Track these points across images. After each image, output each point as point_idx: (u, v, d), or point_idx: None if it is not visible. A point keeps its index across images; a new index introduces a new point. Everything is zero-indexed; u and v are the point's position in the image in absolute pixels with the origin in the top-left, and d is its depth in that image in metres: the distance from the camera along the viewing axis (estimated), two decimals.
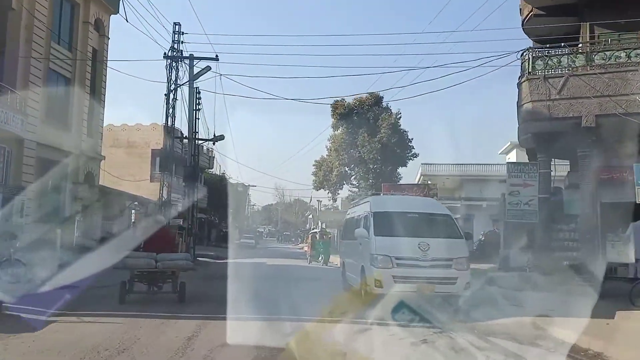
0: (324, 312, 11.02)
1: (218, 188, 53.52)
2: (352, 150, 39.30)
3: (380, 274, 11.41)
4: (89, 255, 17.04)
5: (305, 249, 60.85)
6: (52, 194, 23.14)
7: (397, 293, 10.91)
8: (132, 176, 40.85)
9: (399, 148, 38.45)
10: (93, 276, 13.40)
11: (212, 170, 53.54)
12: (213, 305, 12.17)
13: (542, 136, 15.60)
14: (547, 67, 15.14)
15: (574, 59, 15.17)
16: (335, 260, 33.87)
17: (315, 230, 35.00)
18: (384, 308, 10.42)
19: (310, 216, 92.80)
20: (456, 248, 11.86)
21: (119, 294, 12.18)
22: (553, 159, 17.35)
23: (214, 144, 25.87)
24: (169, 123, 23.43)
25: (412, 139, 38.68)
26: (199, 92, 24.55)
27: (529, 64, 15.32)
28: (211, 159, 50.53)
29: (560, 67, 15.11)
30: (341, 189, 42.43)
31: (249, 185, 78.80)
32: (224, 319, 9.83)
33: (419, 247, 11.46)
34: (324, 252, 31.53)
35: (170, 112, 22.83)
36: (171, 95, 22.23)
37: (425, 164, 46.95)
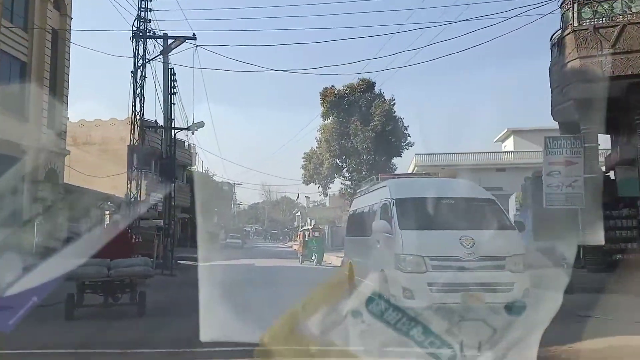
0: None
1: (201, 186, 50.28)
2: (343, 141, 36.33)
3: (410, 280, 8.45)
4: (44, 264, 14.02)
5: (295, 247, 57.94)
6: (7, 193, 19.86)
7: (433, 306, 7.92)
8: (107, 175, 37.55)
9: (394, 137, 35.57)
10: (41, 289, 10.47)
11: (195, 167, 50.21)
12: (188, 325, 9.14)
13: (588, 102, 12.66)
14: (597, 16, 12.27)
15: (630, 3, 12.31)
16: (329, 259, 30.94)
17: (307, 227, 31.87)
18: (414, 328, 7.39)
19: (298, 214, 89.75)
20: (508, 243, 8.89)
21: (64, 309, 10.31)
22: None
23: (192, 133, 22.69)
24: (138, 107, 20.21)
25: (408, 126, 35.82)
26: (174, 74, 21.41)
27: (573, 13, 12.45)
28: (193, 155, 47.22)
29: (613, 14, 12.24)
30: (332, 182, 39.47)
31: (234, 184, 75.63)
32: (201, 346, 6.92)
33: (460, 243, 8.50)
34: (317, 250, 28.53)
35: (139, 93, 19.61)
36: (139, 73, 19.00)
37: (419, 154, 44.17)
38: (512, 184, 38.66)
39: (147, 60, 18.88)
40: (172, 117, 22.05)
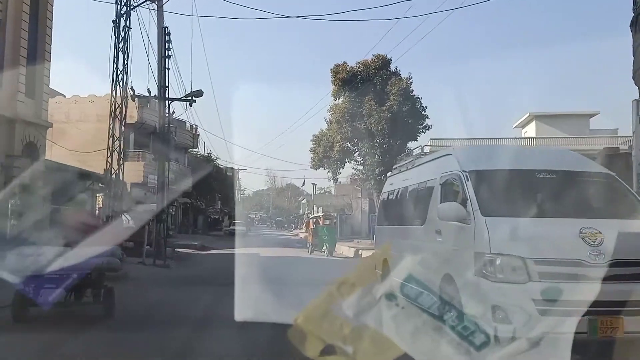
0: None
1: (203, 169, 47.30)
2: (356, 122, 33.14)
3: (504, 294, 5.41)
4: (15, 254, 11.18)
5: (302, 235, 55.00)
6: None
7: (543, 336, 4.89)
8: (102, 155, 34.58)
9: (411, 118, 32.39)
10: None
11: (197, 150, 47.17)
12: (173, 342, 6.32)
13: None
14: None
15: None
16: (340, 249, 27.95)
17: (317, 214, 28.84)
18: None
19: (304, 201, 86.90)
20: None
21: (11, 310, 8.31)
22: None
23: (190, 104, 19.50)
24: (121, 63, 17.04)
25: (426, 107, 32.60)
26: (169, 34, 18.30)
27: None
28: (195, 137, 44.18)
29: None
30: (342, 167, 36.33)
31: (239, 169, 72.59)
32: None
33: (582, 239, 5.44)
34: (329, 240, 25.55)
35: (122, 47, 16.47)
36: (122, 23, 15.80)
37: (434, 139, 41.00)
38: None
39: (131, 7, 15.79)
40: (167, 84, 18.95)
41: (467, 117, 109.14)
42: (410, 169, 9.49)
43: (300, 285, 11.11)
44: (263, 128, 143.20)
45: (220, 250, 29.25)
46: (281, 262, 20.87)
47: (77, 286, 8.64)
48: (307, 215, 75.44)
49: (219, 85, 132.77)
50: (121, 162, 16.70)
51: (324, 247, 25.45)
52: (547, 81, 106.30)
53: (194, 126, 44.15)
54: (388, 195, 10.44)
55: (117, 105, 17.41)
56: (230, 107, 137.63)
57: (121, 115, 16.89)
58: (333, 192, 72.69)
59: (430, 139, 40.16)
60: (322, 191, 71.22)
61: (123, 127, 17.20)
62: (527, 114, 41.11)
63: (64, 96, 36.51)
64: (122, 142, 17.05)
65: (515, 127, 44.11)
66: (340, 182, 38.27)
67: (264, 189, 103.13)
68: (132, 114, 33.86)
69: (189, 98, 19.19)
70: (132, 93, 18.94)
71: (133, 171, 33.93)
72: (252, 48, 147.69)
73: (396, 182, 10.05)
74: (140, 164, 33.86)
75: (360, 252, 25.61)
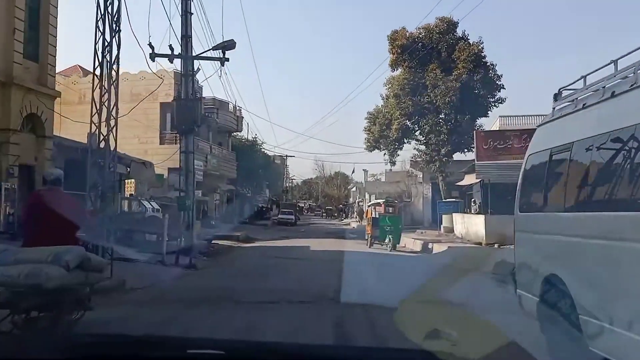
0: None
1: (249, 155, 43.44)
2: (417, 96, 28.31)
3: None
4: None
5: (354, 225, 50.53)
6: None
7: None
8: (137, 138, 31.10)
9: (483, 88, 27.32)
10: None
11: (241, 134, 43.26)
12: None
13: None
14: None
15: None
16: (404, 241, 23.35)
17: (377, 201, 24.22)
18: None
19: (354, 189, 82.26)
20: None
21: None
22: None
23: (222, 63, 15.17)
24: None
25: (501, 75, 27.40)
26: None
27: None
28: (239, 119, 40.24)
29: None
30: (401, 148, 31.55)
31: (286, 156, 68.68)
32: None
33: None
34: (393, 231, 20.97)
35: None
36: None
37: (503, 116, 35.64)
38: None
39: None
40: (190, 35, 14.72)
41: (544, 89, 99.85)
42: (609, 98, 4.68)
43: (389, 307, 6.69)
44: (311, 107, 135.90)
45: (266, 243, 25.18)
46: (338, 258, 16.52)
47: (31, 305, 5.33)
48: (358, 203, 70.97)
49: (261, 59, 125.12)
50: (112, 124, 12.21)
51: (387, 240, 20.93)
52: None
53: (238, 107, 40.26)
54: (551, 157, 5.60)
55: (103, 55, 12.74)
56: (274, 84, 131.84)
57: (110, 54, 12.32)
58: (383, 179, 67.94)
59: (499, 116, 35.02)
60: (374, 178, 66.30)
61: (114, 71, 12.78)
62: None
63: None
64: (113, 95, 12.49)
65: None
66: (395, 165, 33.55)
67: (312, 177, 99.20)
68: (169, 90, 30.31)
69: (220, 56, 14.85)
70: (151, 52, 14.78)
71: (170, 155, 30.27)
72: (295, 14, 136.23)
73: (571, 130, 5.24)
74: (176, 147, 30.05)
75: (430, 246, 20.96)
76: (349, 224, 52.10)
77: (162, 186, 28.18)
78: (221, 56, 15.24)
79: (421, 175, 35.47)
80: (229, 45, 14.34)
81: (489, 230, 20.61)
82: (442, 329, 4.71)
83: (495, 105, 28.70)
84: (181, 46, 14.64)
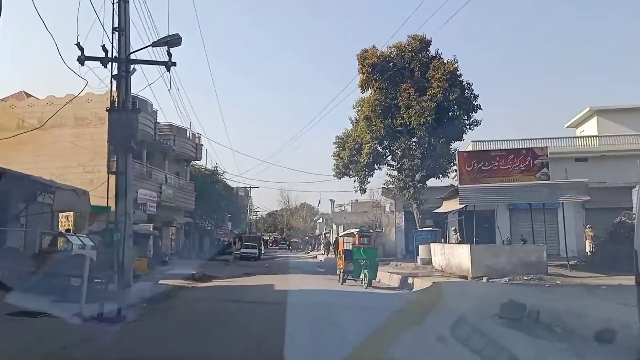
0: None
1: (209, 185, 40.32)
2: (389, 118, 26.04)
3: None
4: None
5: (321, 258, 47.44)
6: None
7: None
8: (81, 167, 27.72)
9: (460, 109, 25.23)
10: None
11: (201, 163, 40.19)
12: None
13: None
14: None
15: None
16: (379, 276, 20.63)
17: (351, 231, 21.42)
18: None
19: (320, 220, 79.46)
20: None
21: None
22: None
23: (168, 69, 12.28)
24: None
25: (478, 95, 25.41)
26: None
27: None
28: (198, 147, 37.23)
29: None
30: (371, 175, 29.05)
31: (250, 188, 65.62)
32: None
33: None
34: (369, 266, 18.22)
35: None
36: None
37: (476, 141, 33.82)
38: (602, 174, 28.31)
39: None
40: (125, 28, 11.85)
41: (512, 113, 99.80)
42: None
43: None
44: (276, 133, 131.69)
45: (225, 281, 22.05)
46: (306, 300, 13.65)
47: None
48: (325, 235, 68.06)
49: (221, 83, 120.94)
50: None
51: (362, 275, 18.16)
52: (606, 73, 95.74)
53: (197, 135, 37.29)
54: None
55: None
56: (236, 110, 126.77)
57: None
58: (350, 209, 65.45)
59: (472, 141, 33.16)
60: (340, 208, 63.74)
61: None
62: (587, 109, 33.83)
63: (37, 98, 29.95)
64: None
65: (567, 127, 36.74)
66: (365, 192, 30.92)
67: (277, 209, 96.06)
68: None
69: (164, 58, 12.03)
70: (80, 54, 11.93)
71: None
72: (256, 34, 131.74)
73: None
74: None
75: (410, 281, 18.31)
76: (315, 257, 49.06)
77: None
78: (167, 59, 12.45)
79: (391, 204, 33.08)
80: (172, 41, 11.51)
81: (475, 262, 18.14)
82: None
83: (470, 128, 26.62)
84: (112, 42, 11.80)
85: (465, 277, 18.42)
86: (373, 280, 18.55)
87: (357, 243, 19.01)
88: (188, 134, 36.03)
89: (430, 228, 25.55)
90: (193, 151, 36.46)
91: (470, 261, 18.17)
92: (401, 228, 30.78)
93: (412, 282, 18.11)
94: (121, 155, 12.58)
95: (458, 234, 21.42)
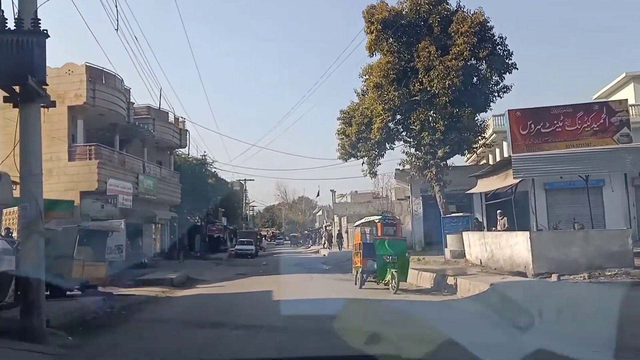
0: None
1: (197, 176, 35.45)
2: (404, 86, 21.26)
3: None
4: None
5: (323, 252, 42.63)
6: None
7: None
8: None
9: (492, 68, 20.48)
10: None
11: (186, 151, 35.22)
12: None
13: None
14: None
15: None
16: (411, 277, 15.88)
17: (371, 218, 16.44)
18: None
19: (319, 213, 74.70)
20: None
21: None
22: None
23: None
24: None
25: (512, 52, 20.58)
26: None
27: None
28: (183, 132, 32.29)
29: None
30: (382, 155, 24.20)
31: (245, 180, 60.72)
32: None
33: None
34: (398, 264, 13.43)
35: None
36: None
37: (496, 116, 29.13)
38: None
39: None
40: None
41: (530, 82, 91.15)
42: None
43: None
44: (267, 109, 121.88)
45: (211, 287, 17.29)
46: (326, 325, 8.84)
47: None
48: (326, 228, 63.17)
49: (202, 59, 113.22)
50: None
51: (388, 277, 13.40)
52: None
53: (181, 119, 32.37)
54: None
55: None
56: (222, 91, 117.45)
57: None
58: (349, 199, 60.62)
59: (493, 115, 28.54)
60: (341, 199, 58.96)
61: None
62: (623, 75, 29.11)
63: None
64: None
65: (597, 98, 31.95)
66: (376, 176, 25.94)
67: (274, 204, 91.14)
68: (80, 92, 22.35)
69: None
70: None
71: (83, 174, 22.16)
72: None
73: None
74: (93, 163, 21.99)
75: (451, 282, 13.57)
76: (318, 252, 44.29)
77: (73, 216, 19.92)
78: None
79: (405, 190, 28.33)
80: None
81: (538, 254, 13.42)
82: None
83: (499, 95, 21.84)
84: None
85: (523, 274, 13.71)
86: (405, 280, 13.81)
87: (379, 234, 14.19)
88: (170, 118, 31.13)
89: (462, 214, 20.78)
90: (177, 137, 31.53)
91: (530, 253, 13.45)
92: (419, 216, 25.98)
93: (455, 283, 13.35)
94: (23, 104, 7.78)
95: (505, 218, 16.66)
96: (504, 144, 31.78)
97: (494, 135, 29.48)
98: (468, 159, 31.62)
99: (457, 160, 35.09)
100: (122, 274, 17.49)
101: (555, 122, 14.67)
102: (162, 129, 29.56)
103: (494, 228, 18.88)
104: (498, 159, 31.31)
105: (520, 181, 14.02)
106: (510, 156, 13.98)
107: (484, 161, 33.80)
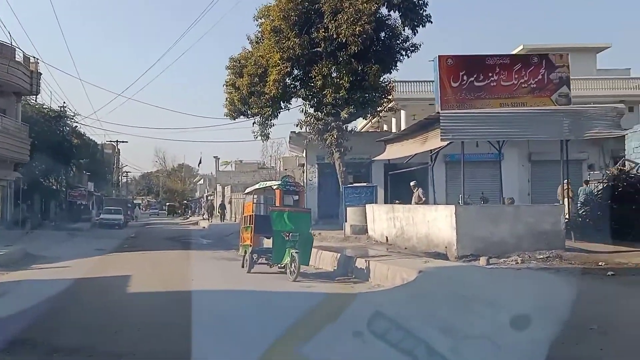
0: None
1: (54, 131, 29.68)
2: (306, 32, 18.07)
3: None
4: None
5: (203, 224, 38.57)
6: None
7: None
8: None
9: (405, 17, 17.96)
10: None
11: (39, 98, 29.04)
12: None
13: None
14: None
15: None
16: (315, 261, 12.96)
17: (265, 183, 13.18)
18: None
19: (201, 182, 69.81)
20: None
21: None
22: None
23: None
24: None
25: (428, 3, 18.14)
26: None
27: None
28: (34, 75, 26.30)
29: None
30: (277, 115, 20.97)
31: (117, 142, 54.25)
32: None
33: None
34: (300, 242, 10.36)
35: None
36: None
37: (399, 81, 26.81)
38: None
39: None
40: None
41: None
42: None
43: None
44: (139, 52, 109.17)
45: (51, 269, 12.96)
46: (186, 323, 5.54)
47: None
48: (207, 197, 58.77)
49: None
50: None
51: (287, 259, 10.35)
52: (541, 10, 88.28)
53: (32, 59, 26.37)
54: None
55: None
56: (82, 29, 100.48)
57: None
58: (233, 168, 56.66)
59: (394, 80, 26.33)
60: (226, 166, 54.85)
61: None
62: (520, 47, 28.35)
63: None
64: None
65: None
66: (268, 139, 22.65)
67: (152, 170, 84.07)
68: None
69: None
70: None
71: None
72: None
73: None
74: None
75: (361, 265, 10.82)
76: (197, 224, 40.21)
77: None
78: None
79: (281, 162, 25.42)
80: None
81: (463, 233, 11.13)
82: None
83: (407, 55, 19.49)
84: None
85: (443, 256, 11.36)
86: (303, 266, 10.81)
87: (278, 204, 11.00)
88: (19, 57, 25.12)
89: (366, 184, 18.23)
90: (27, 81, 25.52)
91: (455, 231, 11.10)
92: (313, 185, 23.16)
93: (367, 267, 10.59)
94: None
95: (420, 189, 14.29)
96: (402, 112, 30.02)
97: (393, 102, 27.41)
98: (366, 125, 29.44)
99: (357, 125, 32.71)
100: None
101: (490, 74, 12.39)
102: (4, 67, 23.60)
103: (397, 202, 16.54)
104: (394, 130, 29.48)
105: (448, 144, 11.54)
106: (438, 113, 11.45)
107: (385, 128, 31.85)
